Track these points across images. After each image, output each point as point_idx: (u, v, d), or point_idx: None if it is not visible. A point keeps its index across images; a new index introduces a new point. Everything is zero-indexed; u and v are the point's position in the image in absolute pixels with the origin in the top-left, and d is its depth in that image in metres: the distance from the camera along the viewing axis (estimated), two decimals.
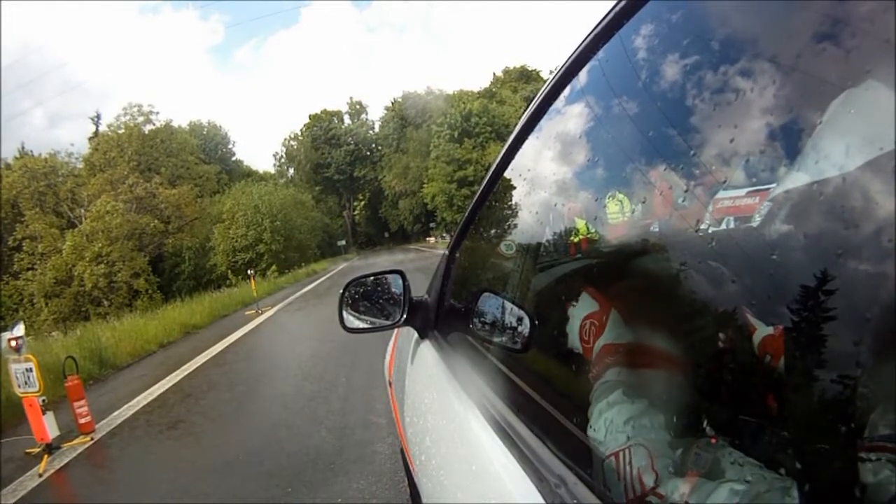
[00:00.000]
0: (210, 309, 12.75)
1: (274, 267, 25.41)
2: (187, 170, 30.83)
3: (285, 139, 57.35)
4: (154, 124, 29.59)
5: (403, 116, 50.70)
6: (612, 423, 0.49)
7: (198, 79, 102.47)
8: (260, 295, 14.26)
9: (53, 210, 23.75)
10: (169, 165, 29.11)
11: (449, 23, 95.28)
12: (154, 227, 23.38)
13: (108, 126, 29.87)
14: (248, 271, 16.27)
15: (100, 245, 20.95)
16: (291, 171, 55.61)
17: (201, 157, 35.17)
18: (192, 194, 26.33)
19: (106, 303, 20.78)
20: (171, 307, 13.27)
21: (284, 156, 56.23)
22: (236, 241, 28.97)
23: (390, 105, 54.13)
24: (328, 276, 24.08)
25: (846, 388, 0.28)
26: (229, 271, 25.64)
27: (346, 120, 57.95)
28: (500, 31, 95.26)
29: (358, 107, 58.61)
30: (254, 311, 12.22)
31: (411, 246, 42.11)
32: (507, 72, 48.29)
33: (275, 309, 12.51)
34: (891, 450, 0.28)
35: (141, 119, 29.00)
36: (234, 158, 49.93)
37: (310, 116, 56.81)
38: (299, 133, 56.39)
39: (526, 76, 46.62)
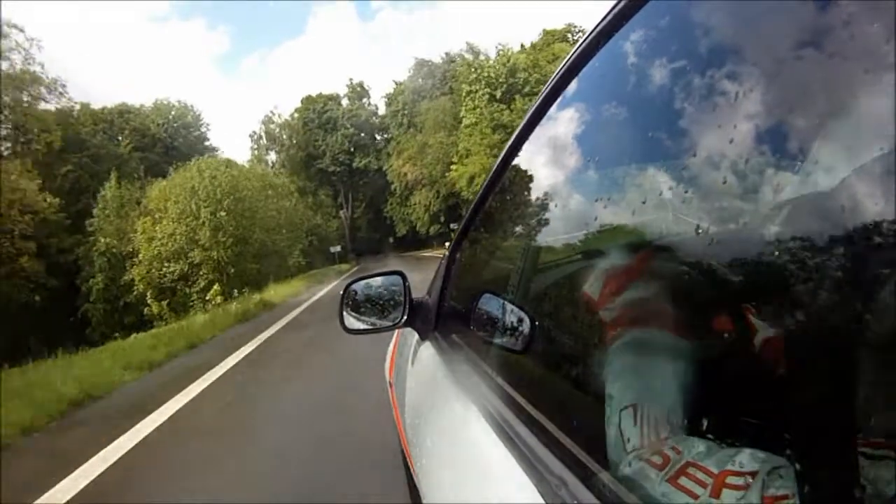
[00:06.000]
0: None
1: (216, 288, 15.12)
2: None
3: (266, 116, 44.21)
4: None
5: (417, 89, 40.90)
6: (611, 419, 0.50)
7: (203, 86, 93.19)
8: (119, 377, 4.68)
9: None
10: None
11: (454, 27, 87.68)
12: None
13: None
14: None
15: None
16: (273, 155, 42.88)
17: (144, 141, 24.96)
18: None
19: None
20: None
21: (264, 136, 42.88)
22: (163, 245, 17.57)
23: (399, 82, 44.24)
24: (289, 318, 9.55)
25: (848, 389, 0.29)
26: (148, 293, 16.60)
27: (345, 103, 48.58)
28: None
29: (359, 89, 49.11)
30: None
31: (426, 253, 31.80)
32: (548, 32, 38.70)
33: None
34: (893, 449, 0.28)
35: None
36: (206, 143, 39.89)
37: (302, 100, 47.32)
38: (290, 118, 45.17)
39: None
